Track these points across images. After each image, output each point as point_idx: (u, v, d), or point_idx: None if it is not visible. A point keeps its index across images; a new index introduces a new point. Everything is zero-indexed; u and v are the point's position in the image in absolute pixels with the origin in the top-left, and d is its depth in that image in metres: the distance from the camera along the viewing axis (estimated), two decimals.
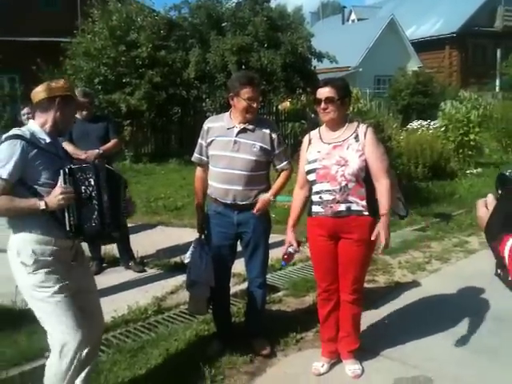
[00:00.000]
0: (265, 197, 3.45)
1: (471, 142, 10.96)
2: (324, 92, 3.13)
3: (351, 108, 7.93)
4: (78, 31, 13.77)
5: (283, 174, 3.59)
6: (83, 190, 2.50)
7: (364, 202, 3.12)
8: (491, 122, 13.45)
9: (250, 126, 3.40)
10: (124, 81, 12.87)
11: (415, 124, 13.23)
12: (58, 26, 15.07)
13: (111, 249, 5.55)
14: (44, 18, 16.14)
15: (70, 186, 2.46)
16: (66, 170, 2.48)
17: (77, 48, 13.40)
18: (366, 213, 3.13)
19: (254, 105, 3.34)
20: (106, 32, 12.99)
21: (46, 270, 2.53)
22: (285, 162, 3.54)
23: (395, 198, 3.32)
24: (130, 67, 12.98)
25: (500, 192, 1.58)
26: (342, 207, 3.09)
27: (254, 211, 3.45)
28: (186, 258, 3.57)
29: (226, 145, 3.38)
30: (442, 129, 11.28)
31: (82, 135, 5.06)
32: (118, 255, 5.50)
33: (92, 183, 2.52)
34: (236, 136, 3.38)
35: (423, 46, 28.07)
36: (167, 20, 14.49)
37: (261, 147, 3.39)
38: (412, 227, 7.00)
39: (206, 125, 3.53)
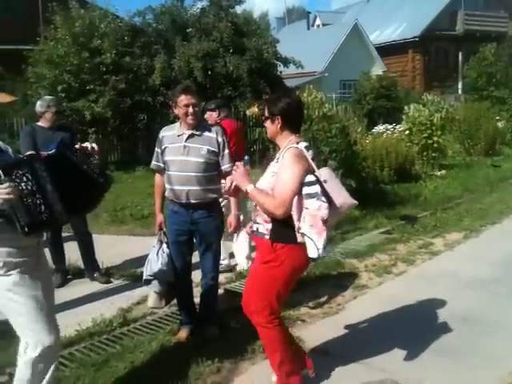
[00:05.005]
0: (232, 216, 3.94)
1: (434, 145, 11.18)
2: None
3: (316, 112, 7.98)
4: (41, 38, 13.54)
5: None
6: (23, 187, 2.37)
7: (269, 226, 2.95)
8: (454, 124, 13.74)
9: (198, 132, 3.72)
10: (88, 88, 12.69)
11: (381, 128, 13.43)
12: (19, 33, 14.80)
13: (76, 260, 5.45)
14: (5, 25, 15.85)
15: (6, 185, 2.31)
16: None
17: (39, 55, 13.17)
18: (267, 236, 2.97)
19: (191, 110, 3.63)
20: (69, 39, 12.82)
21: (18, 269, 2.51)
22: (228, 165, 3.75)
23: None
24: (93, 74, 12.81)
25: None
26: (254, 227, 3.11)
27: (231, 230, 3.96)
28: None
29: (177, 150, 3.70)
30: (407, 132, 11.48)
31: (47, 144, 4.96)
32: (82, 267, 5.40)
33: (30, 177, 2.39)
34: (185, 141, 3.70)
35: (387, 50, 28.55)
36: (131, 26, 14.39)
37: (208, 150, 3.69)
38: (378, 230, 7.07)
39: (161, 134, 3.85)
